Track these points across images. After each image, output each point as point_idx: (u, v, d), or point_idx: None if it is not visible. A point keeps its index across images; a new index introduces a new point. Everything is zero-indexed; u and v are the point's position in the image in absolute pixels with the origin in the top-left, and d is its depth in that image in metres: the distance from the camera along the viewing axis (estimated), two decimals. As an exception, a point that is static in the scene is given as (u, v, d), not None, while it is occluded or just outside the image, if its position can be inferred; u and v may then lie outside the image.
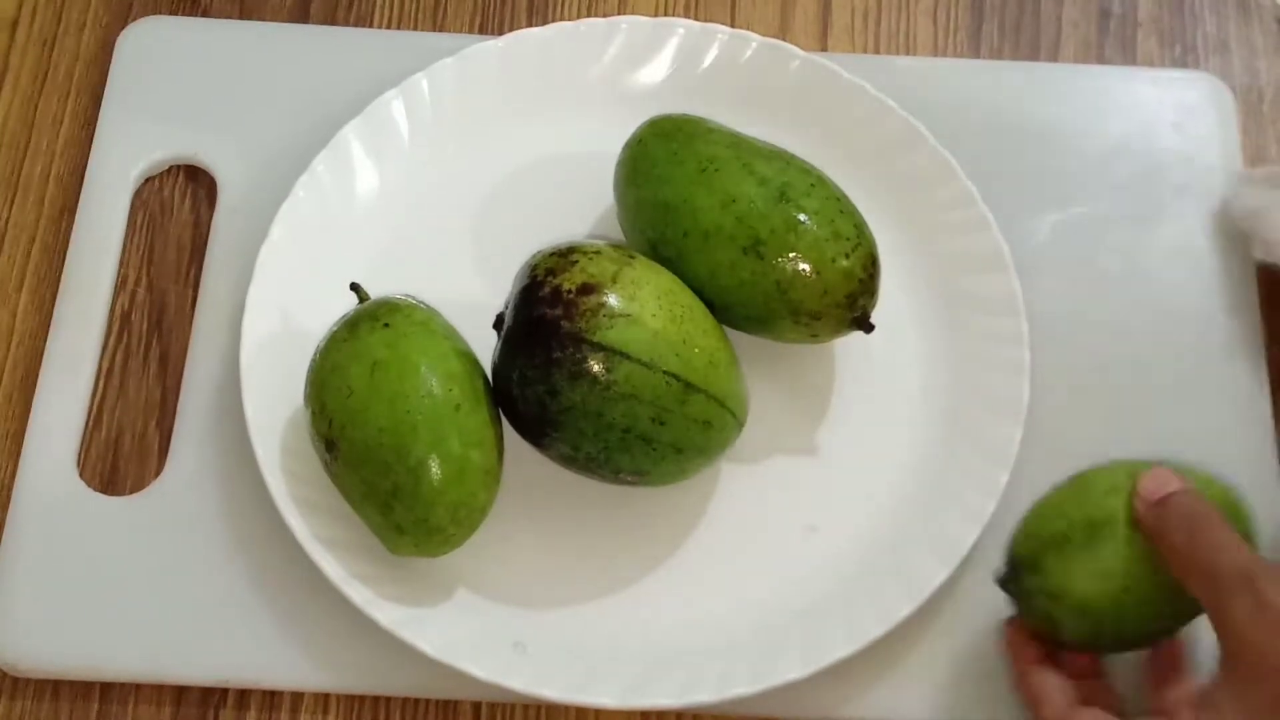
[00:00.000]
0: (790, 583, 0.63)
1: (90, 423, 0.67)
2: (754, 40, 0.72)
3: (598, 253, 0.60)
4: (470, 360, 0.61)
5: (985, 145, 0.72)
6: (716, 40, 0.72)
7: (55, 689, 0.62)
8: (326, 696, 0.62)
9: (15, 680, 0.62)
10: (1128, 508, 0.56)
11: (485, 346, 0.61)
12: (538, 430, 0.60)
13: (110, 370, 0.68)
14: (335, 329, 0.61)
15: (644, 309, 0.59)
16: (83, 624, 0.62)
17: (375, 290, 0.62)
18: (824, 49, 0.76)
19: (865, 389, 0.67)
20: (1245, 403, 0.67)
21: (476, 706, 0.62)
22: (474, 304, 0.62)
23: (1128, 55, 0.76)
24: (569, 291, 0.58)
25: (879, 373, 0.67)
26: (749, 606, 0.63)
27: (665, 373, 0.58)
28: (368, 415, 0.58)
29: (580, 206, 0.70)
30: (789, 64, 0.72)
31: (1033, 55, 0.76)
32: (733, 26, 0.73)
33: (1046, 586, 0.56)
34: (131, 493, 0.65)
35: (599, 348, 0.58)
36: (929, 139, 0.69)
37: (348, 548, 0.61)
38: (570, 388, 0.58)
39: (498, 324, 0.61)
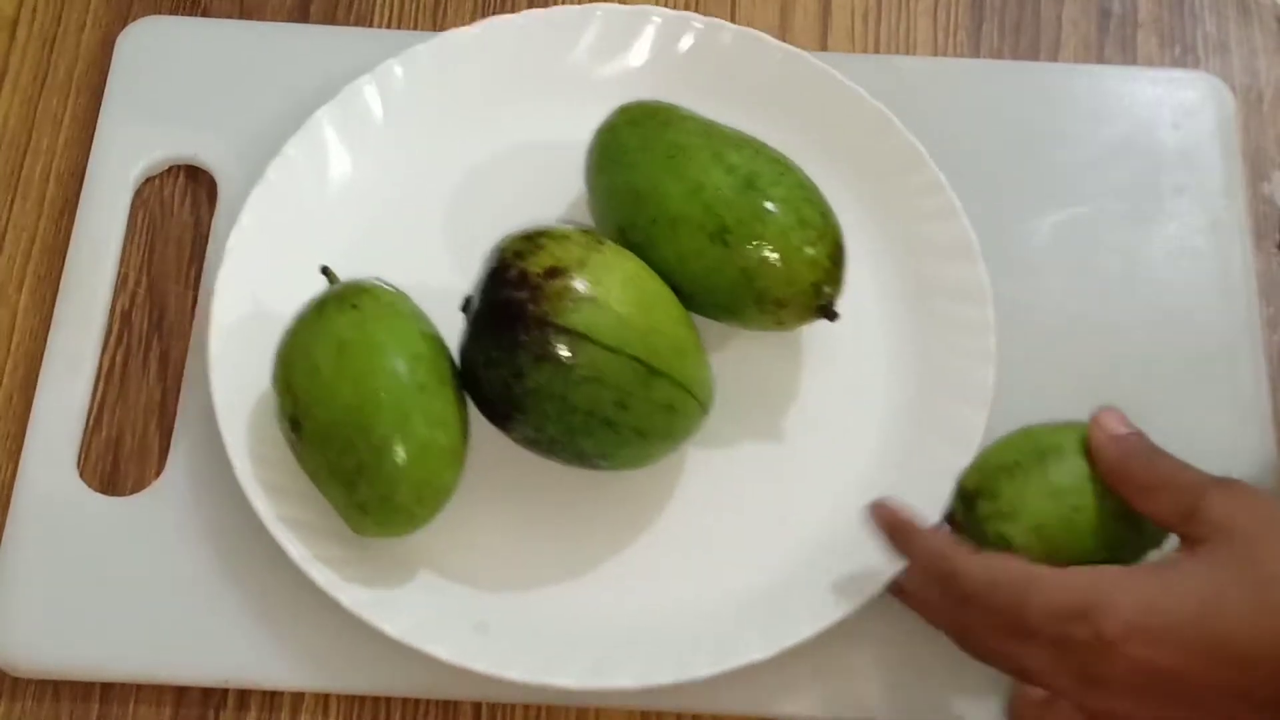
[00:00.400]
0: (754, 566, 0.63)
1: (90, 423, 0.67)
2: (729, 29, 0.72)
3: (565, 237, 0.60)
4: (437, 343, 0.61)
5: (985, 145, 0.72)
6: (691, 29, 0.72)
7: (55, 689, 0.62)
8: (326, 697, 0.62)
9: (15, 680, 0.62)
10: (1076, 440, 0.58)
11: (456, 330, 0.61)
12: (502, 412, 0.60)
13: (110, 370, 0.68)
14: (304, 311, 0.61)
15: (610, 294, 0.59)
16: (83, 624, 0.62)
17: (347, 274, 0.62)
18: (824, 49, 0.76)
19: (832, 375, 0.67)
20: (1245, 403, 0.68)
21: (476, 707, 0.62)
22: (445, 288, 0.62)
23: (1128, 55, 0.76)
24: (535, 275, 0.58)
25: (846, 359, 0.67)
26: (712, 590, 0.63)
27: (629, 357, 0.58)
28: (333, 394, 0.58)
29: (553, 192, 0.70)
30: (762, 52, 0.72)
31: (1033, 55, 0.76)
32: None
33: (1000, 509, 0.58)
34: (131, 493, 0.65)
35: (564, 331, 0.58)
36: (899, 127, 0.70)
37: (312, 530, 0.61)
38: (535, 370, 0.58)
39: (465, 307, 0.61)
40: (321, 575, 0.60)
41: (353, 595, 0.60)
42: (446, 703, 0.62)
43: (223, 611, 0.62)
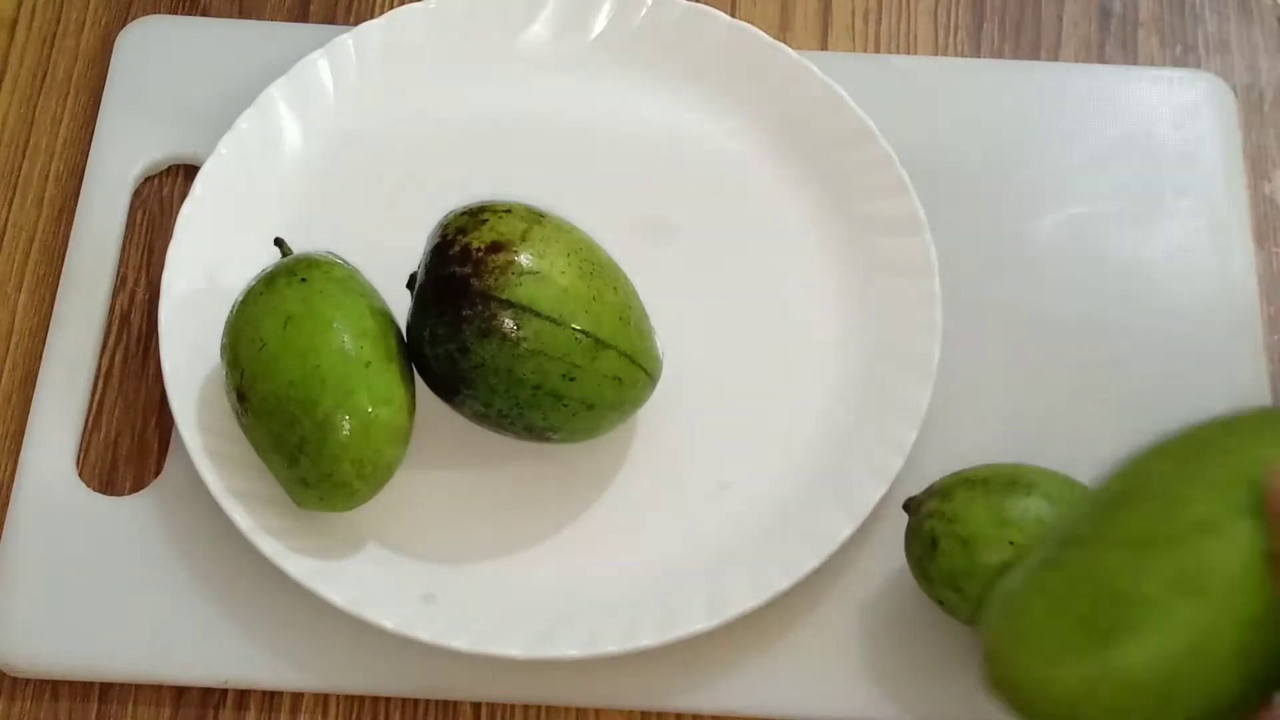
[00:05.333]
0: (700, 538, 0.64)
1: (90, 423, 0.67)
2: (679, 4, 0.73)
3: (508, 211, 0.60)
4: (386, 319, 0.61)
5: (985, 145, 0.72)
6: (644, 5, 0.73)
7: (55, 689, 0.62)
8: (326, 697, 0.62)
9: (15, 680, 0.62)
10: (1056, 487, 0.58)
11: (408, 305, 0.61)
12: (450, 387, 0.60)
13: (110, 370, 0.68)
14: (253, 283, 0.61)
15: (553, 266, 0.59)
16: (83, 624, 0.62)
17: (300, 246, 0.63)
18: (824, 48, 0.76)
19: (780, 347, 0.68)
20: (1245, 403, 0.67)
21: (476, 707, 0.62)
22: (399, 261, 0.62)
23: (1128, 54, 0.76)
24: (478, 249, 0.59)
25: (795, 332, 0.68)
26: (659, 561, 0.63)
27: (575, 329, 0.59)
28: (278, 368, 0.58)
29: (506, 166, 0.70)
30: (713, 27, 0.72)
31: (1033, 55, 0.76)
32: (732, 26, 0.73)
33: (944, 510, 0.58)
34: (130, 493, 0.65)
35: (508, 305, 0.58)
36: (849, 102, 0.70)
37: (261, 501, 0.62)
38: (480, 345, 0.58)
39: (411, 283, 0.61)
40: (269, 545, 0.60)
41: (300, 566, 0.60)
42: (446, 703, 0.62)
43: (222, 611, 0.62)
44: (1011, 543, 0.57)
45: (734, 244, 0.70)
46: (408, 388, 0.60)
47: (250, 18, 0.76)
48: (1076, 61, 0.76)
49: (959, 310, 0.67)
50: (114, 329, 0.69)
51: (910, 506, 0.60)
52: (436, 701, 0.62)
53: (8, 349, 0.69)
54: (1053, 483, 0.59)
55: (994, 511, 0.58)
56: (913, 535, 0.60)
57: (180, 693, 0.62)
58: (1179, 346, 0.68)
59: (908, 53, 0.76)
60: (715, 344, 0.67)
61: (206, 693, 0.62)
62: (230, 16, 0.76)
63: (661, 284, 0.65)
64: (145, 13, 0.76)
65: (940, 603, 0.59)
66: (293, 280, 0.60)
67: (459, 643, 0.59)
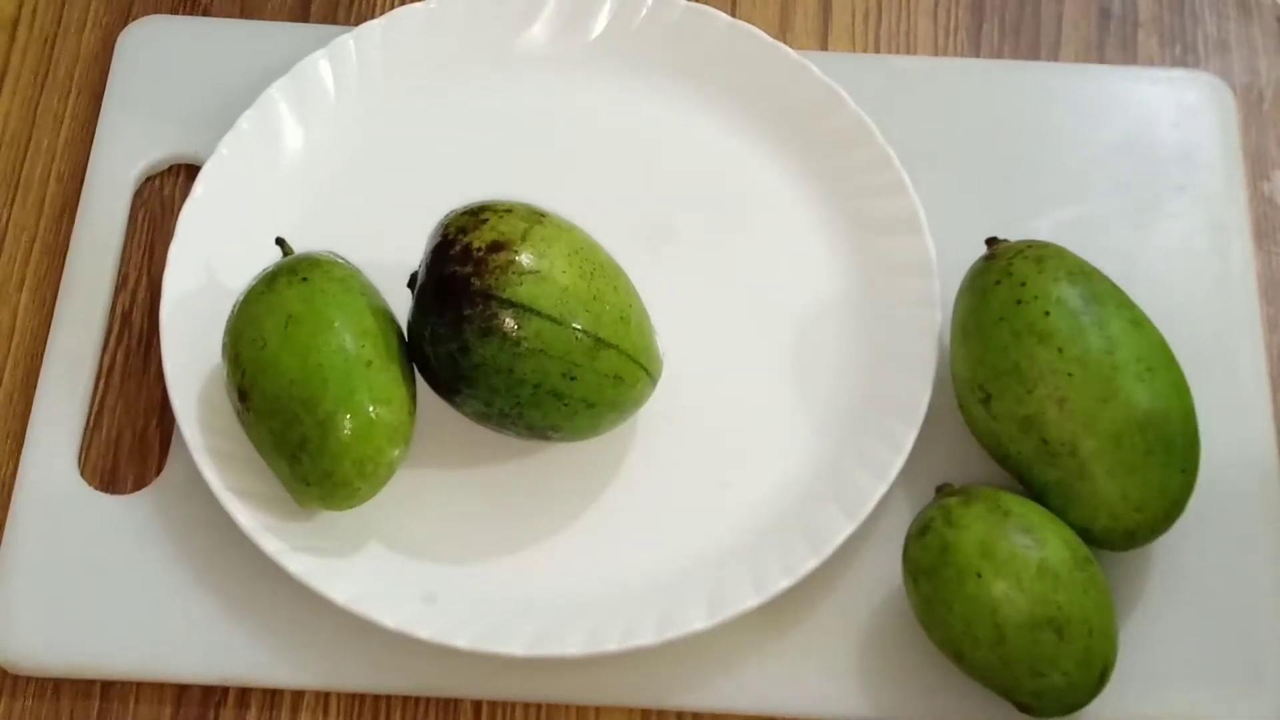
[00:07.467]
0: (701, 537, 0.64)
1: (90, 422, 0.67)
2: (679, 4, 0.73)
3: (509, 211, 0.60)
4: (387, 318, 0.61)
5: (985, 145, 0.72)
6: (644, 5, 0.73)
7: (55, 688, 0.62)
8: (326, 696, 0.62)
9: (15, 680, 0.62)
10: (1046, 528, 0.58)
11: (408, 305, 0.62)
12: (451, 387, 0.60)
13: (110, 370, 0.68)
14: (254, 282, 0.61)
15: (554, 266, 0.59)
16: (83, 623, 0.62)
17: (301, 246, 0.63)
18: (824, 48, 0.76)
19: (781, 347, 0.68)
20: (1245, 403, 0.68)
21: (477, 706, 0.62)
22: (400, 263, 0.62)
23: (1128, 55, 0.76)
24: (479, 249, 0.59)
25: (794, 332, 0.68)
26: (659, 560, 0.63)
27: (575, 328, 0.59)
28: (279, 367, 0.59)
29: (504, 167, 0.70)
30: (713, 27, 0.73)
31: (1033, 55, 0.76)
32: (732, 26, 0.73)
33: (949, 516, 0.58)
34: (132, 492, 0.65)
35: (508, 304, 0.58)
36: (848, 102, 0.70)
37: (263, 500, 0.62)
38: (481, 344, 0.58)
39: (412, 283, 0.61)
40: (270, 544, 0.60)
41: (301, 564, 0.60)
42: (446, 701, 0.62)
43: (223, 610, 0.62)
44: (979, 574, 0.57)
45: (734, 244, 0.70)
46: (408, 387, 0.61)
47: (250, 18, 0.76)
48: (1076, 61, 0.76)
49: (959, 310, 0.67)
50: (115, 328, 0.69)
51: (939, 489, 0.60)
52: (437, 700, 0.62)
53: (9, 348, 0.69)
54: (1060, 546, 0.58)
55: (988, 539, 0.57)
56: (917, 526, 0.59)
57: (181, 691, 0.62)
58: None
59: (908, 53, 0.76)
60: (715, 344, 0.67)
61: (208, 691, 0.62)
62: (230, 16, 0.76)
63: (662, 284, 0.65)
64: (146, 13, 0.76)
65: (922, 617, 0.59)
66: (294, 279, 0.60)
67: (460, 641, 0.59)
